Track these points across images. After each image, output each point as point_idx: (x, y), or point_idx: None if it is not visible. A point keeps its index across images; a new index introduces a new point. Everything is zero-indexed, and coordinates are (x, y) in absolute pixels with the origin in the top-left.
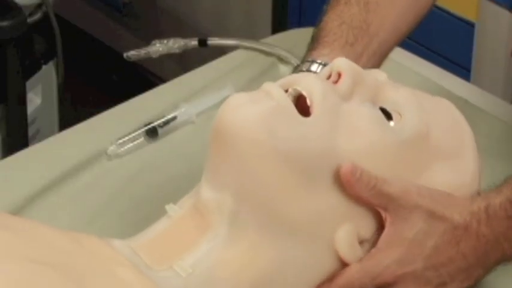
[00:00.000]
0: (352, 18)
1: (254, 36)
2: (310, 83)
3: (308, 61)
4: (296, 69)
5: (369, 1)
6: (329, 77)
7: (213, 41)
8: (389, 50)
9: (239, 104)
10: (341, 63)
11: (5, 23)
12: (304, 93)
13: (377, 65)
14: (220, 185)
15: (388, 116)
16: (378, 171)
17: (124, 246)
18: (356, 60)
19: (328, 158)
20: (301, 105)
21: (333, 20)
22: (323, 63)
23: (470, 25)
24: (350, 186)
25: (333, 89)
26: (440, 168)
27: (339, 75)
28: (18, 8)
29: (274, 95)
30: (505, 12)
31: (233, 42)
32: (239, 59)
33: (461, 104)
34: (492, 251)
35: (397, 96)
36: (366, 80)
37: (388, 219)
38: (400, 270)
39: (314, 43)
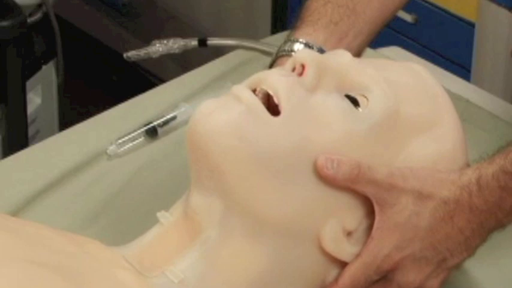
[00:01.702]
0: None
1: (254, 36)
2: (275, 80)
3: (290, 40)
4: (279, 50)
5: None
6: (293, 70)
7: (212, 41)
8: (378, 29)
9: (209, 112)
10: (304, 55)
11: (5, 23)
12: (270, 92)
13: (364, 44)
14: (207, 189)
15: (355, 102)
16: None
17: (116, 253)
18: (341, 39)
19: (302, 154)
20: (272, 103)
21: (319, 0)
22: (305, 42)
23: (471, 25)
24: (329, 179)
25: (298, 83)
26: (418, 142)
27: (303, 67)
28: (18, 8)
29: (243, 99)
30: (505, 12)
31: (233, 42)
32: (239, 59)
33: (463, 104)
34: (486, 221)
35: (362, 79)
36: (330, 69)
37: (376, 207)
38: (398, 255)
39: (298, 22)
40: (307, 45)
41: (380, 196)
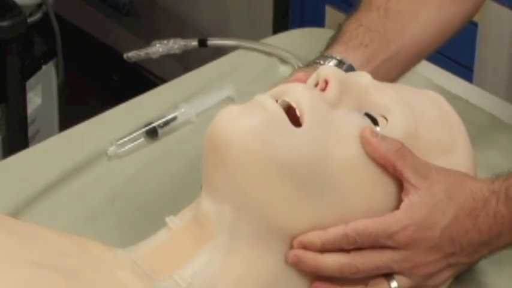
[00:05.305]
0: (370, 22)
1: (255, 36)
2: (299, 93)
3: (324, 56)
4: (312, 64)
5: (389, 8)
6: (316, 85)
7: (213, 41)
8: (409, 59)
9: (232, 116)
10: (328, 71)
11: (5, 23)
12: (293, 104)
13: (393, 71)
14: (219, 196)
15: (374, 121)
16: (370, 178)
17: (124, 255)
18: (370, 60)
19: (320, 166)
20: (292, 116)
21: (351, 23)
22: (339, 58)
23: (473, 25)
24: (371, 147)
25: (321, 97)
26: None
27: (326, 82)
28: (18, 8)
29: (267, 107)
30: (507, 11)
31: (233, 42)
32: (239, 59)
33: (462, 105)
34: (505, 233)
35: (383, 100)
36: (352, 87)
37: (409, 187)
38: (417, 233)
39: (331, 42)
40: (341, 61)
41: (415, 180)
